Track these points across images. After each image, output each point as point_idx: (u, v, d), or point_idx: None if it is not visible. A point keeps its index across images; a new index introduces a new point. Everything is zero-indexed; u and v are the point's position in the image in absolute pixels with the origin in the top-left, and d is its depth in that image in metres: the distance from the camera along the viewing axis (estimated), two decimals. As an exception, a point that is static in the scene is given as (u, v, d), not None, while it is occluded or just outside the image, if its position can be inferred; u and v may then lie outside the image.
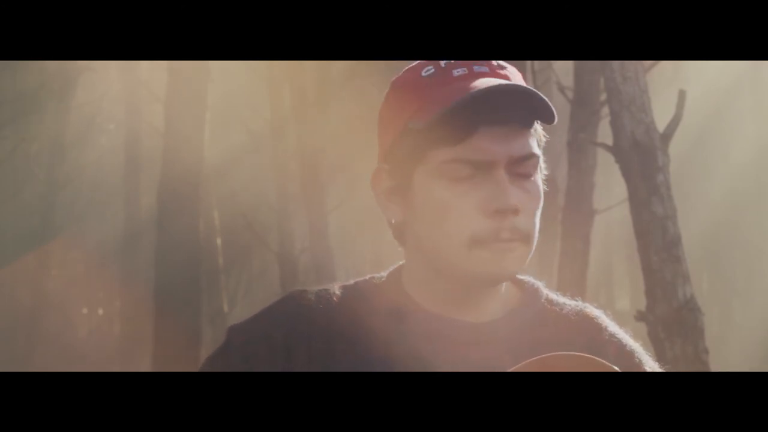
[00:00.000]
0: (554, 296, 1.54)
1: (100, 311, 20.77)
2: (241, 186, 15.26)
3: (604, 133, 5.85)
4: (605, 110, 7.06)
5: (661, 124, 4.22)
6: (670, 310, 4.06)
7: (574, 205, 7.87)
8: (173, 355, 9.76)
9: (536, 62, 8.42)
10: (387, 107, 1.49)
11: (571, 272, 7.71)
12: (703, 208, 18.00)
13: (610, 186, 16.04)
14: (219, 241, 13.79)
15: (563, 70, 9.01)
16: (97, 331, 20.15)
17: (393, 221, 1.48)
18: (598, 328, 1.52)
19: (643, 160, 4.14)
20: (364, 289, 1.50)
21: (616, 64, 4.16)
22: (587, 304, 1.55)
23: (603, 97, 7.74)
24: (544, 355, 1.34)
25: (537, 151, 1.44)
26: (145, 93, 15.57)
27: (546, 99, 1.41)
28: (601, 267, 19.49)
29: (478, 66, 1.45)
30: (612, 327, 1.54)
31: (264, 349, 1.44)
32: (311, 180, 10.08)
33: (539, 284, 1.54)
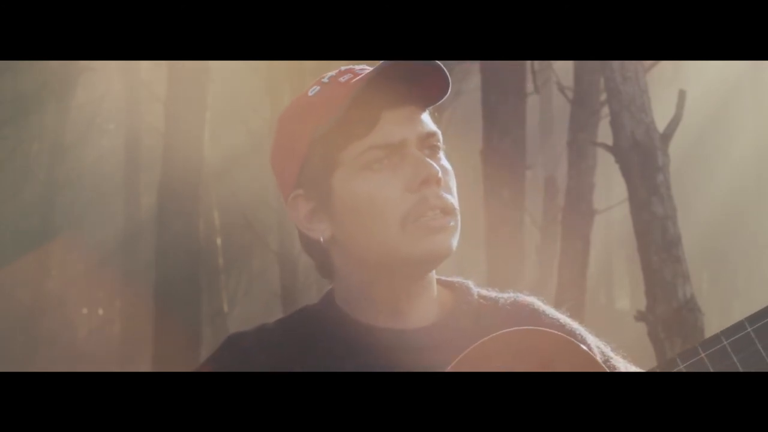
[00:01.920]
0: (486, 292, 1.57)
1: (100, 311, 20.77)
2: (241, 186, 15.26)
3: (604, 133, 5.85)
4: (605, 110, 7.07)
5: (661, 124, 4.22)
6: (670, 310, 4.06)
7: (574, 205, 7.87)
8: (173, 355, 9.76)
9: (536, 62, 8.42)
10: (282, 139, 1.53)
11: (571, 272, 7.71)
12: (703, 208, 18.00)
13: (610, 186, 16.05)
14: (219, 241, 13.78)
15: (563, 70, 9.00)
16: (97, 331, 20.15)
17: (322, 239, 1.49)
18: (536, 314, 1.53)
19: (643, 160, 4.14)
20: (302, 318, 1.52)
21: (616, 64, 4.16)
22: (519, 293, 1.56)
23: (603, 97, 7.75)
24: (482, 341, 1.35)
25: (437, 128, 1.50)
26: (145, 93, 15.57)
27: (435, 66, 1.45)
28: (601, 267, 19.49)
29: (361, 68, 1.50)
30: (549, 310, 1.56)
31: None
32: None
33: (469, 282, 1.57)
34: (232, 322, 15.50)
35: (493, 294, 1.56)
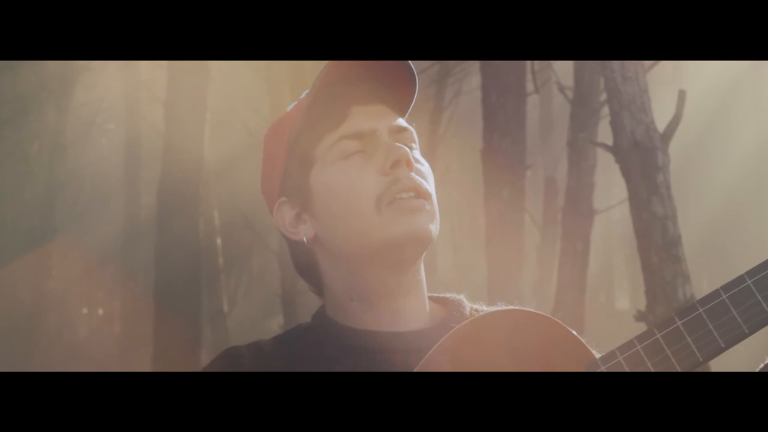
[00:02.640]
0: (478, 306, 1.58)
1: (100, 311, 20.78)
2: (241, 186, 15.27)
3: (604, 133, 5.86)
4: (605, 110, 7.07)
5: (661, 124, 4.22)
6: (670, 310, 4.06)
7: (574, 205, 7.88)
8: (173, 355, 9.76)
9: (536, 62, 8.43)
10: (265, 155, 1.57)
11: (571, 272, 7.71)
12: (703, 208, 18.00)
13: (610, 186, 16.05)
14: (219, 241, 13.79)
15: (563, 70, 9.01)
16: (97, 331, 20.16)
17: (305, 239, 1.51)
18: None
19: (643, 160, 4.14)
20: (295, 332, 1.54)
21: (616, 64, 4.16)
22: (510, 306, 1.57)
23: (603, 97, 7.75)
24: (470, 320, 1.36)
25: (410, 126, 1.52)
26: (145, 93, 15.58)
27: (401, 64, 1.48)
28: (601, 267, 19.49)
29: None
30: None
31: None
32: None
33: (462, 296, 1.57)
34: (232, 322, 15.51)
35: (485, 307, 1.57)
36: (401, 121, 1.52)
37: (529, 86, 8.26)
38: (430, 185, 1.49)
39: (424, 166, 1.51)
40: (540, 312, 1.39)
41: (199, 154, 10.28)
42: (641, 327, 4.20)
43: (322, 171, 1.49)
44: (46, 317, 17.58)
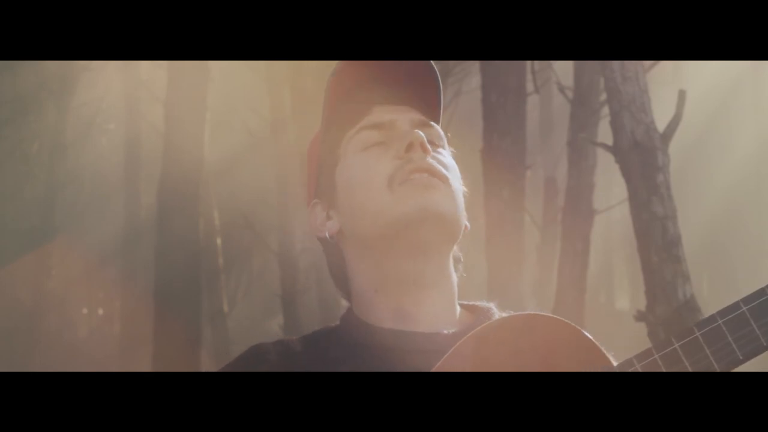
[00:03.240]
0: (508, 314, 1.55)
1: (100, 311, 20.78)
2: (241, 186, 15.27)
3: (604, 133, 5.85)
4: (605, 110, 7.07)
5: (661, 124, 4.22)
6: (670, 310, 4.06)
7: (574, 205, 7.88)
8: (173, 355, 9.76)
9: (536, 62, 8.42)
10: (308, 161, 1.59)
11: (571, 272, 7.71)
12: (703, 208, 18.00)
13: (610, 186, 16.05)
14: (219, 241, 13.79)
15: (563, 70, 9.01)
16: (97, 331, 20.15)
17: (327, 235, 1.52)
18: None
19: (643, 160, 4.14)
20: (323, 332, 1.53)
21: (616, 64, 4.16)
22: (539, 312, 1.56)
23: (603, 97, 7.75)
24: (488, 323, 1.35)
25: (438, 126, 1.52)
26: (145, 93, 15.57)
27: (425, 66, 1.48)
28: (601, 267, 19.49)
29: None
30: None
31: None
32: (311, 180, 10.05)
33: (492, 305, 1.56)
34: (232, 322, 15.51)
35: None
36: (424, 118, 1.51)
37: (529, 86, 8.26)
38: (449, 173, 1.47)
39: (446, 158, 1.49)
40: (564, 319, 1.37)
41: (199, 154, 10.28)
42: (641, 327, 4.20)
43: (344, 166, 1.49)
44: (46, 317, 17.58)
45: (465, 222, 1.51)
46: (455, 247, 1.52)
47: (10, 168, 16.86)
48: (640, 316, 4.18)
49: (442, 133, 1.53)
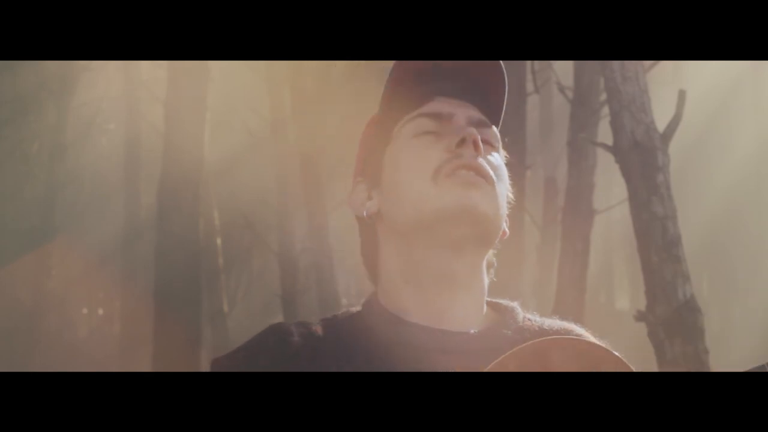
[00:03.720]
0: (531, 315, 1.55)
1: (100, 311, 20.78)
2: (241, 186, 15.27)
3: (604, 133, 5.86)
4: (605, 110, 7.07)
5: (661, 124, 4.22)
6: (670, 310, 4.06)
7: (574, 205, 7.87)
8: (173, 355, 9.76)
9: (536, 62, 8.42)
10: (359, 144, 1.58)
11: (571, 272, 7.71)
12: (703, 208, 18.00)
13: (610, 186, 16.05)
14: (219, 241, 13.79)
15: (563, 70, 9.01)
16: (97, 331, 20.16)
17: (366, 214, 1.50)
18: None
19: (643, 160, 4.14)
20: (344, 317, 1.51)
21: (616, 64, 4.17)
22: (565, 321, 1.55)
23: (603, 97, 7.75)
24: (528, 343, 1.33)
25: (495, 128, 1.50)
26: (145, 93, 15.57)
27: (494, 67, 1.47)
28: (601, 267, 19.49)
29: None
30: (591, 338, 1.53)
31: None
32: (311, 180, 10.08)
33: (516, 304, 1.55)
34: (232, 322, 15.52)
35: (538, 318, 1.54)
36: (483, 117, 1.50)
37: (529, 86, 8.25)
38: (497, 176, 1.46)
39: (497, 160, 1.48)
40: (606, 347, 1.36)
41: (199, 154, 10.28)
42: (641, 327, 4.20)
43: (395, 148, 1.49)
44: (46, 317, 17.59)
45: (504, 227, 1.49)
46: (489, 252, 1.51)
47: (10, 168, 16.87)
48: (640, 316, 4.18)
49: (498, 135, 1.51)
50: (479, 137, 1.44)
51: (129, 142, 16.79)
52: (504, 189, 1.48)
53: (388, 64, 1.51)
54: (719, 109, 18.18)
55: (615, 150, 4.22)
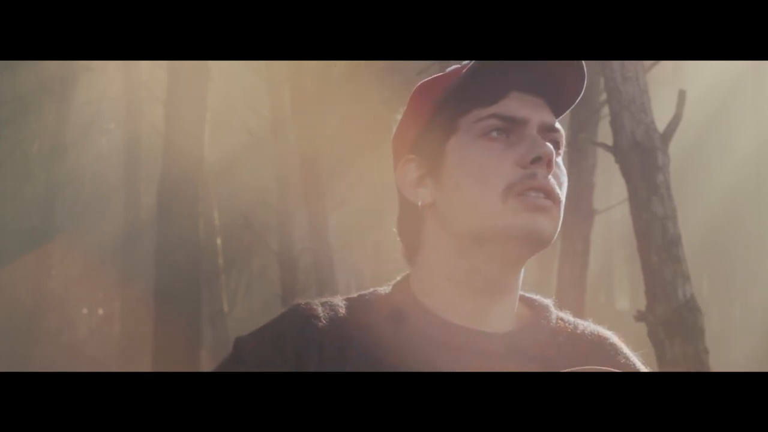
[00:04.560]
0: (564, 315, 1.54)
1: (100, 311, 20.78)
2: (241, 186, 15.27)
3: (604, 133, 5.85)
4: (605, 110, 7.06)
5: (661, 124, 4.22)
6: (670, 310, 4.06)
7: (574, 205, 7.87)
8: (173, 355, 9.76)
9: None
10: (410, 105, 1.51)
11: (571, 272, 7.71)
12: (703, 208, 18.00)
13: (610, 186, 16.04)
14: (219, 241, 13.79)
15: (563, 70, 8.99)
16: (97, 331, 20.15)
17: (420, 203, 1.47)
18: (614, 350, 1.51)
19: (643, 160, 4.14)
20: (372, 299, 1.49)
21: (616, 64, 4.16)
22: (599, 326, 1.54)
23: (603, 97, 7.75)
24: (584, 367, 1.32)
25: (561, 127, 1.47)
26: (145, 93, 15.58)
27: (576, 67, 1.44)
28: (601, 267, 19.49)
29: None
30: (625, 349, 1.52)
31: (275, 358, 1.41)
32: (311, 180, 10.07)
33: (549, 302, 1.54)
34: (232, 322, 15.51)
35: (571, 318, 1.53)
36: (555, 121, 1.47)
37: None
38: (562, 193, 1.45)
39: (563, 173, 1.46)
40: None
41: (199, 154, 10.28)
42: (641, 327, 4.19)
43: (462, 143, 1.44)
44: (46, 317, 17.58)
45: None
46: None
47: (10, 168, 16.86)
48: (640, 316, 4.17)
49: (564, 135, 1.49)
50: (553, 154, 1.43)
51: (129, 142, 16.78)
52: (565, 194, 1.47)
53: (389, 64, 1.51)
54: (719, 109, 18.18)
55: (615, 150, 4.22)
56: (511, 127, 1.43)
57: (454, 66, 1.50)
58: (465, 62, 1.49)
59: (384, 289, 1.51)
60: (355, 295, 1.51)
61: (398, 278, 1.52)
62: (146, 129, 16.11)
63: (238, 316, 17.95)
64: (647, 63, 4.65)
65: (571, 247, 7.77)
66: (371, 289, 1.51)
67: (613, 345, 1.51)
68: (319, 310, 1.45)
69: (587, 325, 1.53)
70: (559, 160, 1.47)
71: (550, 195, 1.42)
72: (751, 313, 19.41)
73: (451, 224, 1.44)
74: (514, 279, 1.47)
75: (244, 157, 15.16)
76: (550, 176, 1.43)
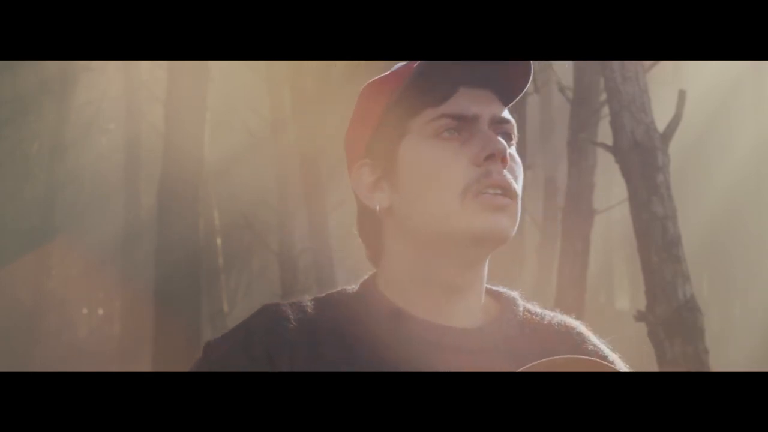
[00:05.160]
0: (531, 306, 1.54)
1: (100, 311, 20.78)
2: (241, 186, 15.27)
3: (604, 133, 5.85)
4: (605, 110, 7.06)
5: (661, 124, 4.22)
6: (670, 310, 4.06)
7: (574, 205, 7.87)
8: (173, 355, 9.76)
9: (536, 62, 8.42)
10: (359, 109, 1.51)
11: (571, 272, 7.71)
12: (703, 208, 17.99)
13: (610, 186, 16.04)
14: (219, 241, 13.78)
15: (563, 70, 9.01)
16: (97, 331, 20.15)
17: (378, 208, 1.47)
18: (581, 339, 1.51)
19: (643, 160, 4.14)
20: (341, 299, 1.49)
21: (616, 64, 4.16)
22: (566, 316, 1.54)
23: (603, 97, 7.75)
24: (554, 357, 1.33)
25: (512, 118, 1.47)
26: (145, 93, 15.58)
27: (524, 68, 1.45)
28: (601, 267, 19.48)
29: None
30: (593, 338, 1.53)
31: (245, 361, 1.41)
32: (311, 180, 10.07)
33: (516, 294, 1.54)
34: (232, 322, 15.50)
35: (538, 309, 1.53)
36: (505, 112, 1.47)
37: (529, 86, 8.23)
38: (518, 185, 1.45)
39: (518, 165, 1.46)
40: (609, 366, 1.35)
41: (199, 154, 10.28)
42: (641, 327, 4.19)
43: (414, 144, 1.44)
44: (46, 317, 17.58)
45: None
46: None
47: (10, 168, 16.86)
48: (640, 316, 4.17)
49: (515, 126, 1.48)
50: (507, 150, 1.42)
51: (129, 142, 16.79)
52: (521, 186, 1.46)
53: (389, 64, 1.51)
54: (719, 109, 18.18)
55: (615, 150, 4.22)
56: (462, 124, 1.44)
57: (399, 64, 1.50)
58: (401, 64, 1.49)
59: (352, 288, 1.51)
60: (323, 295, 1.51)
61: (365, 277, 1.52)
62: (146, 129, 16.12)
63: (238, 316, 17.93)
64: (647, 63, 4.65)
65: (571, 247, 7.77)
66: (339, 288, 1.52)
67: (580, 334, 1.52)
68: (289, 311, 1.45)
69: (554, 316, 1.53)
70: (513, 150, 1.46)
71: (507, 191, 1.42)
72: (751, 313, 19.41)
73: (410, 227, 1.45)
74: (477, 276, 1.47)
75: (244, 157, 15.15)
76: (505, 171, 1.42)
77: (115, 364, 16.14)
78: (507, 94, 1.48)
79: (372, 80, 1.52)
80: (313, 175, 10.08)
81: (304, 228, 10.63)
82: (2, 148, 16.63)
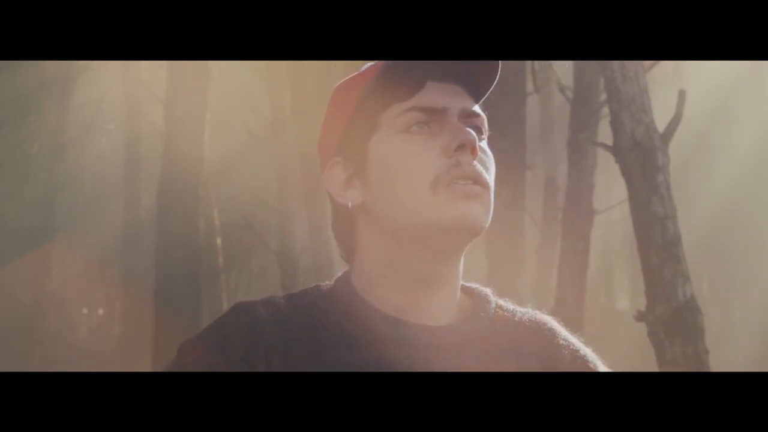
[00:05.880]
0: (503, 303, 1.54)
1: (100, 311, 20.78)
2: (241, 186, 15.27)
3: (604, 133, 5.85)
4: (605, 110, 7.06)
5: (661, 124, 4.22)
6: (670, 310, 4.06)
7: (574, 205, 7.87)
8: (173, 355, 9.75)
9: (536, 62, 8.42)
10: (329, 109, 1.52)
11: (571, 272, 7.71)
12: (703, 208, 17.99)
13: (610, 186, 16.05)
14: (219, 241, 13.78)
15: (563, 70, 9.01)
16: (97, 331, 20.15)
17: (350, 204, 1.47)
18: (551, 334, 1.51)
19: (643, 160, 4.14)
20: (314, 296, 1.48)
21: (616, 64, 4.16)
22: (537, 311, 1.54)
23: (603, 97, 7.75)
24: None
25: (483, 113, 1.48)
26: (145, 93, 15.57)
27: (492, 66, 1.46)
28: (601, 267, 19.48)
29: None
30: (564, 332, 1.53)
31: (220, 361, 1.41)
32: (311, 180, 10.08)
33: (488, 291, 1.53)
34: (232, 322, 15.47)
35: (510, 306, 1.53)
36: (475, 106, 1.47)
37: (529, 86, 8.24)
38: (490, 177, 1.45)
39: (489, 157, 1.46)
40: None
41: (199, 154, 10.28)
42: (641, 327, 4.19)
43: (383, 139, 1.44)
44: (46, 317, 17.58)
45: None
46: None
47: (10, 168, 16.86)
48: (640, 316, 4.17)
49: (486, 120, 1.49)
50: (476, 140, 1.43)
51: (129, 142, 16.79)
52: (493, 178, 1.47)
53: (388, 65, 1.50)
54: (719, 109, 18.17)
55: (615, 150, 4.22)
56: (431, 117, 1.44)
57: (368, 64, 1.50)
58: (371, 63, 1.50)
59: (326, 285, 1.51)
60: (297, 291, 1.50)
61: (339, 274, 1.51)
62: (146, 129, 16.11)
63: (238, 316, 17.90)
64: (647, 63, 4.65)
65: (571, 247, 7.77)
66: (314, 285, 1.51)
67: (551, 329, 1.52)
68: (263, 311, 1.44)
69: (526, 312, 1.53)
70: (484, 144, 1.47)
71: (479, 181, 1.42)
72: (751, 313, 19.40)
73: (383, 222, 1.45)
74: (453, 270, 1.46)
75: (244, 157, 15.15)
76: (476, 162, 1.43)
77: (115, 364, 16.14)
78: (477, 88, 1.49)
79: (343, 80, 1.52)
80: (313, 175, 10.08)
81: (304, 228, 10.64)
82: (2, 148, 16.63)
